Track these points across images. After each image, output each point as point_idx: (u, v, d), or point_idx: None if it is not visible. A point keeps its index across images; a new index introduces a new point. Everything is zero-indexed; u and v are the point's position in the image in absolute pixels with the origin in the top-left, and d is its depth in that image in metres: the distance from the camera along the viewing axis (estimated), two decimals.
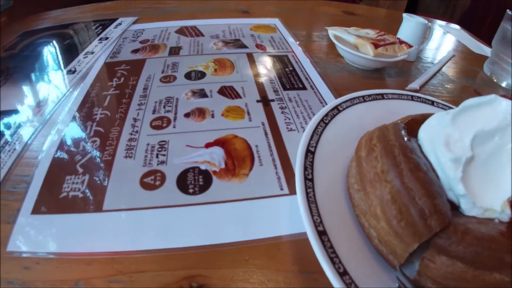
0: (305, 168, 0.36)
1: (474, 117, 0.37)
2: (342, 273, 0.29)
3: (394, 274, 0.32)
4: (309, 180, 0.35)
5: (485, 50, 0.95)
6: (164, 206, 0.37)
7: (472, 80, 0.87)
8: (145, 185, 0.39)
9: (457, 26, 1.30)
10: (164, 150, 0.43)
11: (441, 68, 0.87)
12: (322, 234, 0.31)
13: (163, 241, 0.33)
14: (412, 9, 3.36)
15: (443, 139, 0.36)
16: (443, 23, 1.28)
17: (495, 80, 0.88)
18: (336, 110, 0.46)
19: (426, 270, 0.30)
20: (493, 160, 0.35)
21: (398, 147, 0.35)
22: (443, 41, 1.12)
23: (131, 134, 0.46)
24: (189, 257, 0.33)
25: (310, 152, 0.38)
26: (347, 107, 0.48)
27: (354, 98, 0.50)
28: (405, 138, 0.37)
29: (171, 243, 0.33)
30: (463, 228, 0.30)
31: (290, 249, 0.33)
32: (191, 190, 0.38)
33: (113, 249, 0.32)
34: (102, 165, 0.41)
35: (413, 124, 0.40)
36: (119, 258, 0.32)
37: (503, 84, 0.86)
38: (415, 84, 0.71)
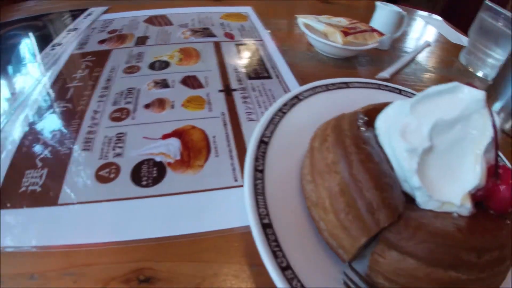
0: (256, 159, 0.35)
1: (434, 106, 0.35)
2: (285, 268, 0.28)
3: (342, 269, 0.31)
4: (259, 171, 0.34)
5: (463, 40, 0.95)
6: (117, 199, 0.36)
7: (448, 70, 0.86)
8: (100, 178, 0.38)
9: (437, 17, 1.29)
10: (122, 143, 0.42)
11: (414, 57, 0.86)
12: (267, 227, 0.30)
13: (115, 234, 0.33)
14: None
15: (399, 129, 0.34)
16: (424, 13, 1.27)
17: (471, 70, 0.88)
18: (296, 99, 0.45)
19: (377, 265, 0.30)
20: (454, 151, 0.33)
21: (351, 137, 0.34)
22: (420, 30, 1.11)
23: (90, 126, 0.45)
24: (139, 249, 0.32)
25: (263, 143, 0.37)
26: (308, 96, 0.47)
27: (316, 87, 0.49)
28: (362, 128, 0.36)
29: (123, 236, 0.33)
30: (415, 223, 0.29)
31: (241, 241, 0.33)
32: (144, 183, 0.38)
33: (67, 242, 0.32)
34: (60, 158, 0.40)
35: (374, 113, 0.39)
36: (73, 252, 0.32)
37: (479, 74, 0.86)
38: (385, 73, 0.70)
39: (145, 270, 0.31)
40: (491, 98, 0.68)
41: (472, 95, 0.33)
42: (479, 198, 0.32)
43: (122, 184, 0.38)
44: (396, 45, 0.88)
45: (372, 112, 0.39)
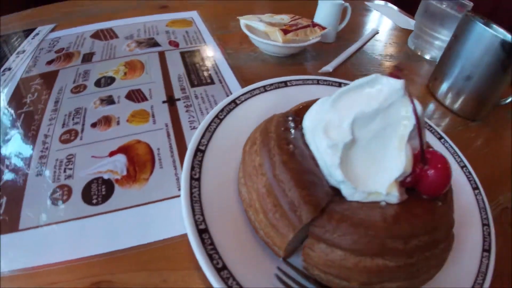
0: (192, 168, 0.37)
1: (354, 100, 0.36)
2: (220, 268, 0.30)
3: (276, 265, 0.33)
4: (195, 179, 0.36)
5: (412, 25, 0.98)
6: (71, 219, 0.38)
7: (396, 56, 0.89)
8: (54, 201, 0.40)
9: (387, 3, 1.32)
10: (71, 164, 0.44)
11: (362, 46, 0.88)
12: (203, 232, 0.32)
13: (73, 252, 0.35)
14: None
15: (322, 125, 0.35)
16: (371, 1, 1.29)
17: (419, 54, 0.91)
18: (234, 104, 0.47)
19: (309, 258, 0.31)
20: (378, 142, 0.34)
21: (275, 138, 0.35)
22: (368, 19, 1.13)
23: (42, 151, 0.46)
24: (96, 264, 0.34)
25: (200, 151, 0.39)
26: (246, 100, 0.48)
27: (253, 90, 0.50)
28: (290, 129, 0.37)
29: (80, 253, 0.35)
30: (338, 216, 0.31)
31: (188, 247, 0.34)
32: (94, 201, 0.39)
33: (29, 264, 0.34)
34: (17, 185, 0.41)
35: (304, 112, 0.40)
36: (35, 273, 0.34)
37: (427, 57, 0.90)
38: (328, 67, 0.72)
39: (102, 283, 0.33)
40: (438, 80, 0.71)
41: (390, 85, 0.34)
42: (409, 184, 0.33)
43: (74, 204, 0.39)
44: (343, 36, 0.90)
45: (302, 111, 0.40)
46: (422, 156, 0.33)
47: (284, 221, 0.31)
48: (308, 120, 0.38)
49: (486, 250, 0.39)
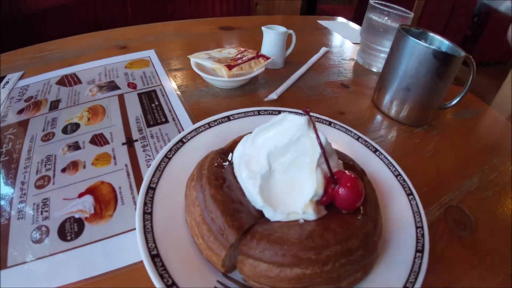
0: (145, 204, 0.44)
1: (269, 136, 0.44)
2: (170, 285, 0.37)
3: (217, 279, 0.40)
4: (148, 213, 0.43)
5: None
6: (50, 255, 0.44)
7: (344, 72, 0.94)
8: (35, 240, 0.46)
9: (342, 19, 1.37)
10: (47, 207, 0.50)
11: (310, 67, 0.94)
12: (155, 257, 0.39)
13: (52, 281, 0.42)
14: (312, 3, 3.48)
15: (244, 160, 0.43)
16: (328, 17, 1.34)
17: (367, 67, 0.98)
18: (181, 142, 0.54)
19: (242, 271, 0.39)
20: (292, 170, 0.41)
21: (206, 175, 0.42)
22: (318, 38, 1.18)
23: (20, 197, 0.52)
24: None
25: (151, 189, 0.46)
26: (192, 138, 0.55)
27: (199, 127, 0.57)
28: (222, 164, 0.44)
29: (58, 282, 0.41)
30: (259, 235, 0.38)
31: (146, 271, 0.39)
32: (68, 237, 0.46)
33: None
34: (3, 227, 0.48)
35: (235, 147, 0.48)
36: None
37: (374, 69, 0.96)
38: (273, 95, 0.78)
39: None
40: (381, 92, 0.77)
41: (296, 122, 0.41)
42: (326, 202, 0.41)
43: (52, 241, 0.46)
44: (292, 60, 0.95)
45: (235, 146, 0.48)
46: (332, 177, 0.41)
47: (216, 243, 0.39)
48: (235, 156, 0.46)
49: (419, 250, 0.43)
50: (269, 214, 0.40)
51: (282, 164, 0.42)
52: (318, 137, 0.40)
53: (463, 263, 0.48)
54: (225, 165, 0.45)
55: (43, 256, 0.45)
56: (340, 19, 1.40)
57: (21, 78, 0.85)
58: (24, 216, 0.50)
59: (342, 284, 0.38)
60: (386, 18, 0.92)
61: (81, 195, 0.53)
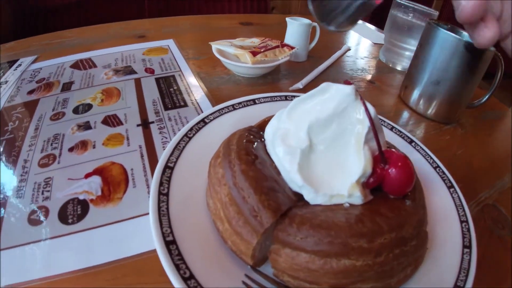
0: (161, 184, 0.39)
1: (308, 108, 0.38)
2: (188, 278, 0.31)
3: (245, 273, 0.34)
4: (163, 194, 0.38)
5: (383, 39, 1.02)
6: (47, 238, 0.39)
7: (368, 69, 0.92)
8: (32, 221, 0.41)
9: (360, 22, 1.37)
10: (49, 186, 0.45)
11: (333, 63, 0.91)
12: (170, 243, 0.33)
13: (47, 269, 0.36)
14: None
15: (280, 134, 0.37)
16: None
17: (390, 65, 0.95)
18: (203, 122, 0.49)
19: (276, 264, 0.32)
20: (336, 146, 0.36)
21: (235, 150, 0.37)
22: (340, 37, 1.16)
23: (21, 175, 0.47)
24: (70, 281, 0.35)
25: (168, 168, 0.41)
26: (215, 118, 0.50)
27: (222, 108, 0.52)
28: (252, 141, 0.39)
29: (54, 270, 0.36)
30: (299, 219, 0.31)
31: (158, 261, 0.34)
32: (70, 220, 0.41)
33: (8, 282, 0.35)
34: None
35: (266, 125, 0.42)
36: None
37: (399, 68, 0.94)
38: (299, 84, 0.74)
39: None
40: (408, 88, 0.73)
41: (341, 91, 0.36)
42: (373, 184, 0.35)
43: (51, 224, 0.41)
44: (315, 55, 0.93)
45: (265, 125, 0.42)
46: (381, 156, 0.35)
47: (247, 228, 0.32)
48: (268, 131, 0.40)
49: (466, 246, 0.39)
50: (309, 196, 0.34)
51: (324, 139, 0.36)
52: (366, 108, 0.34)
53: (506, 263, 0.44)
54: (256, 141, 0.40)
55: (39, 239, 0.39)
56: (366, 24, 1.38)
57: (34, 62, 0.83)
58: (23, 195, 0.45)
59: (392, 280, 0.32)
60: (411, 15, 0.89)
61: (87, 175, 0.48)
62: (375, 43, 1.15)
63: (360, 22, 1.37)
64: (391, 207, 0.34)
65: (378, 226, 0.31)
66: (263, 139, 0.41)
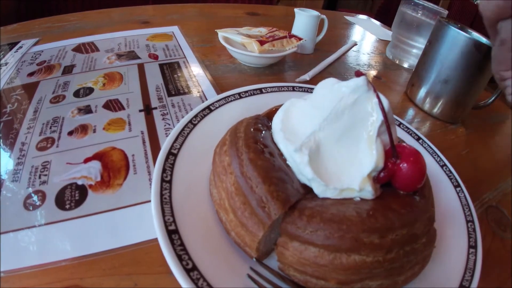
0: (164, 170, 0.37)
1: (318, 99, 0.37)
2: (190, 269, 0.29)
3: (249, 265, 0.32)
4: (166, 182, 0.36)
5: (390, 36, 1.01)
6: (43, 224, 0.38)
7: (374, 65, 0.91)
8: (28, 206, 0.40)
9: (364, 16, 1.35)
10: (46, 170, 0.44)
11: (340, 57, 0.90)
12: (172, 233, 0.32)
13: (43, 256, 0.34)
14: (332, 5, 3.46)
15: (290, 125, 0.36)
16: (352, 14, 1.31)
17: (397, 62, 0.94)
18: (208, 110, 0.47)
19: (283, 257, 0.31)
20: (347, 138, 0.34)
21: (243, 137, 0.35)
22: (347, 32, 1.15)
23: (18, 158, 0.46)
24: (66, 269, 0.34)
25: (172, 155, 0.39)
26: (220, 106, 0.49)
27: (228, 96, 0.51)
28: (260, 129, 0.37)
29: (50, 257, 0.34)
30: (309, 212, 0.30)
31: (159, 251, 0.33)
32: (67, 206, 0.39)
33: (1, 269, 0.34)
34: None
35: (274, 115, 0.41)
36: (6, 277, 0.33)
37: (405, 65, 0.93)
38: (305, 76, 0.73)
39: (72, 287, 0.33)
40: (415, 86, 0.73)
41: (353, 82, 0.34)
42: (384, 179, 0.33)
43: (47, 209, 0.39)
44: (322, 48, 0.92)
45: (273, 114, 0.41)
46: (393, 150, 0.33)
47: (253, 219, 0.31)
48: (276, 121, 0.39)
49: (472, 246, 0.39)
50: (319, 189, 0.33)
51: (336, 131, 0.34)
52: (380, 101, 0.33)
53: (507, 265, 0.44)
54: (263, 130, 0.38)
55: (35, 225, 0.38)
56: (362, 16, 1.38)
57: (35, 44, 0.81)
58: (20, 179, 0.43)
59: (400, 278, 0.31)
60: (420, 13, 0.88)
61: (87, 160, 0.46)
62: (380, 39, 1.14)
63: (365, 17, 1.35)
64: (402, 203, 0.33)
65: (390, 221, 0.30)
66: (270, 129, 0.39)
